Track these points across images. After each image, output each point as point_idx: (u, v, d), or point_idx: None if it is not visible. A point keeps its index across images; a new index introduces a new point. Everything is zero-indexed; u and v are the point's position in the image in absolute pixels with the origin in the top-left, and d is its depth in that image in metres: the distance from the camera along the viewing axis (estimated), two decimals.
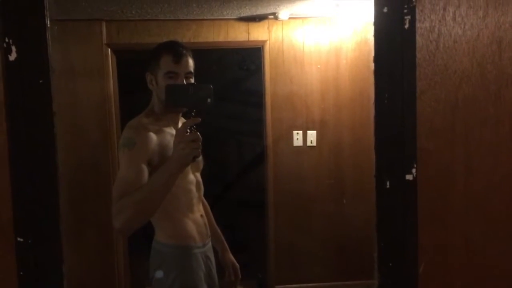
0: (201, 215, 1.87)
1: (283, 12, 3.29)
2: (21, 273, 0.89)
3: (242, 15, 3.32)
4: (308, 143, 3.52)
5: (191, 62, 1.74)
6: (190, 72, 1.72)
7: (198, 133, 1.49)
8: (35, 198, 0.89)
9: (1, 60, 0.87)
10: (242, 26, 3.44)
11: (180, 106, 1.64)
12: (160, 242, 1.79)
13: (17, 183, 0.89)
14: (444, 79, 0.99)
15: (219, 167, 4.47)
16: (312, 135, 3.51)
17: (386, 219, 0.98)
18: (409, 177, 0.96)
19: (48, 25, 0.88)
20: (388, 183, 0.96)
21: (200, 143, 1.49)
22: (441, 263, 1.02)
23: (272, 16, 3.38)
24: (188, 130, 1.47)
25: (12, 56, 0.86)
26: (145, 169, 1.57)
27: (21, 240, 0.89)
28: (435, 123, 0.99)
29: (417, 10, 0.97)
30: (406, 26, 0.95)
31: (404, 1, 0.95)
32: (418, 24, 0.97)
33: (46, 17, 0.87)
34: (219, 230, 2.07)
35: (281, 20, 3.41)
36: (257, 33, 3.45)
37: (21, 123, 0.88)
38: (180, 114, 1.81)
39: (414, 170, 0.96)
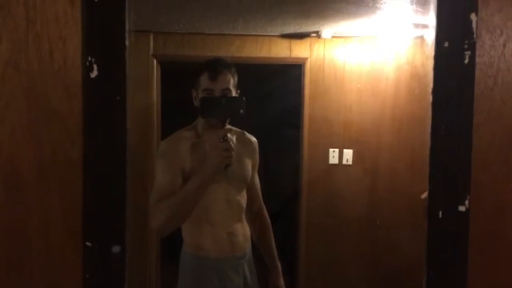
0: (229, 233, 1.87)
1: (326, 31, 3.33)
2: (87, 275, 0.95)
3: (285, 32, 3.38)
4: (344, 162, 3.53)
5: (229, 78, 1.76)
6: (227, 89, 1.75)
7: (231, 143, 1.61)
8: (104, 207, 0.95)
9: (82, 77, 0.94)
10: (285, 42, 3.49)
11: (214, 117, 1.72)
12: (183, 249, 1.94)
13: (89, 192, 0.95)
14: (501, 114, 1.01)
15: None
16: (348, 153, 3.52)
17: (436, 247, 1.00)
18: (461, 208, 0.98)
19: (127, 45, 0.95)
20: (440, 213, 0.98)
21: (232, 152, 1.61)
22: None
23: (314, 34, 3.42)
24: (222, 140, 1.58)
25: (93, 74, 0.93)
26: (178, 177, 1.73)
27: (89, 244, 0.95)
28: (490, 156, 1.01)
29: (477, 46, 0.99)
30: (466, 61, 0.98)
31: (465, 37, 0.97)
32: (477, 59, 0.99)
33: (125, 39, 0.94)
34: (275, 254, 2.10)
35: (323, 38, 3.46)
36: (298, 50, 3.50)
37: (96, 137, 0.95)
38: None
39: (467, 202, 0.98)
